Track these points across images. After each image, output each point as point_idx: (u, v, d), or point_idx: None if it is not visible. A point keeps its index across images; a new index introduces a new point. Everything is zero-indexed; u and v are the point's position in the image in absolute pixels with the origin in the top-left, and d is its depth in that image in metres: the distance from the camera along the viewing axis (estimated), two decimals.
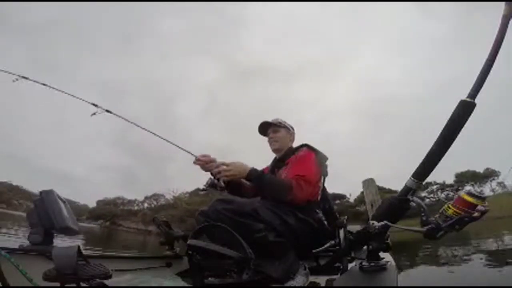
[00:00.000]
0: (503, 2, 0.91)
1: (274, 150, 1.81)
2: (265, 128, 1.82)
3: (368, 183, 6.28)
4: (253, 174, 1.49)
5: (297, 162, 1.59)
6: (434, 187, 38.54)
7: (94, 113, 2.06)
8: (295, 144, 1.80)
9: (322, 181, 1.64)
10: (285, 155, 1.73)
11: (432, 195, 37.68)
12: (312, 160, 1.58)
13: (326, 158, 1.66)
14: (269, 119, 1.85)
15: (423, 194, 36.93)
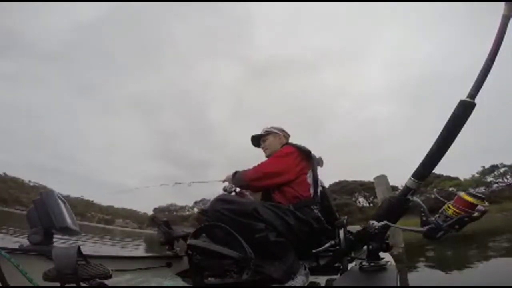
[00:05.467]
0: (503, 2, 0.91)
1: (268, 157, 1.85)
2: (258, 141, 1.93)
3: (379, 180, 6.12)
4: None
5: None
6: (502, 169, 31.45)
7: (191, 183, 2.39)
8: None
9: (308, 175, 1.65)
10: None
11: (500, 180, 31.56)
12: (278, 155, 1.69)
13: (305, 151, 1.69)
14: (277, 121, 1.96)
15: (490, 179, 31.75)
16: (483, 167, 31.75)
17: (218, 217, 1.33)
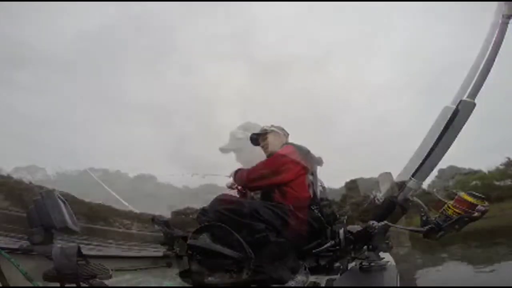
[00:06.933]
0: (503, 2, 0.91)
1: (268, 156, 1.83)
2: (257, 139, 1.92)
3: (383, 177, 6.07)
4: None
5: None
6: None
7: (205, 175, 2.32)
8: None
9: (307, 175, 1.64)
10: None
11: None
12: (277, 155, 1.69)
13: (304, 151, 1.69)
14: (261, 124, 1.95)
15: None
16: (508, 158, 28.04)
17: (218, 217, 1.33)
